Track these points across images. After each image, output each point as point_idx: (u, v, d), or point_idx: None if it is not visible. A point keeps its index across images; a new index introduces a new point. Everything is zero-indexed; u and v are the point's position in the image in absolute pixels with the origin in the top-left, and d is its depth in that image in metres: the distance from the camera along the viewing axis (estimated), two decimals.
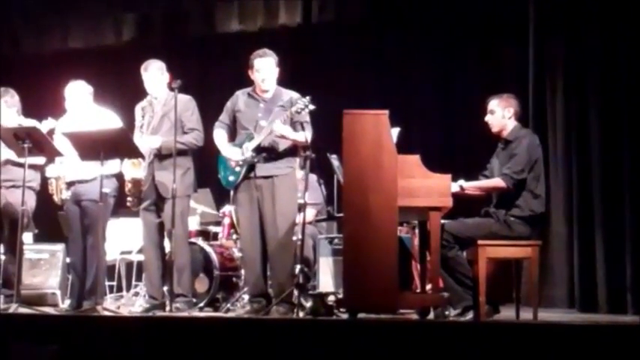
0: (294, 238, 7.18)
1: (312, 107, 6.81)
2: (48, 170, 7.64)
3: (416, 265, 7.58)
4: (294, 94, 7.02)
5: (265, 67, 7.09)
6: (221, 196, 9.17)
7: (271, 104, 7.05)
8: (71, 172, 7.53)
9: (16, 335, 5.85)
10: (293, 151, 7.08)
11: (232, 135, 7.25)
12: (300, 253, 7.06)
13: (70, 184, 7.56)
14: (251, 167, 7.01)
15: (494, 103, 6.65)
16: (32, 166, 7.43)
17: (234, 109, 7.21)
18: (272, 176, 6.97)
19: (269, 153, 6.99)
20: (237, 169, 7.05)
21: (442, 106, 9.83)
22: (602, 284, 7.81)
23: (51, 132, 7.53)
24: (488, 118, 6.66)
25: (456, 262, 6.32)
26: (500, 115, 6.60)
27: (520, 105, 6.71)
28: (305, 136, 6.83)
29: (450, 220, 6.46)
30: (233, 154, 7.07)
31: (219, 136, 7.24)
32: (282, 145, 6.99)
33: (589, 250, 7.96)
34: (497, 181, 6.43)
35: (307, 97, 6.85)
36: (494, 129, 6.65)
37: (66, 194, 7.54)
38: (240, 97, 7.23)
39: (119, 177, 7.58)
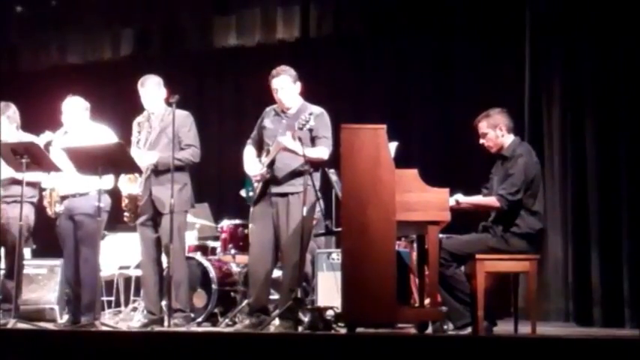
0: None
1: (312, 123, 6.76)
2: (43, 181, 7.64)
3: (414, 279, 7.57)
4: (314, 110, 6.95)
5: (280, 85, 7.03)
6: (219, 211, 9.18)
7: (293, 120, 6.91)
8: (65, 186, 7.52)
9: (14, 350, 5.84)
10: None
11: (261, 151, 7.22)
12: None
13: (63, 198, 7.56)
14: (267, 183, 7.00)
15: (483, 126, 6.61)
16: (32, 183, 7.44)
17: (261, 125, 7.19)
18: (287, 194, 6.92)
19: (283, 169, 6.95)
20: (256, 184, 7.04)
21: (440, 120, 9.83)
22: (599, 298, 7.80)
23: (47, 145, 7.53)
24: (482, 141, 6.64)
25: (454, 280, 6.31)
26: (494, 135, 6.57)
27: (509, 116, 6.63)
28: (303, 150, 6.77)
29: (447, 235, 6.46)
30: (252, 169, 7.07)
31: (246, 152, 7.23)
32: (295, 162, 6.90)
33: (586, 264, 7.96)
34: (493, 201, 6.40)
35: (309, 113, 6.80)
36: (493, 150, 6.62)
37: (59, 207, 7.54)
38: (268, 113, 7.19)
39: (114, 192, 7.58)
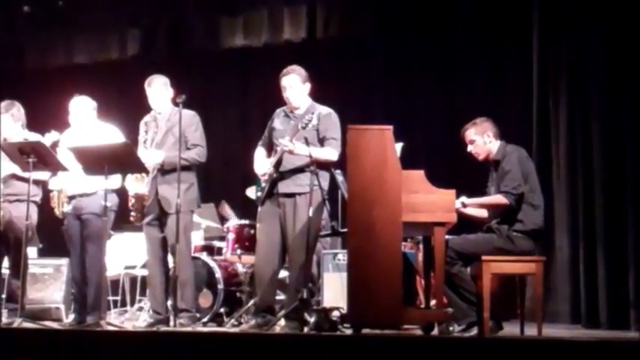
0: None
1: (315, 122, 6.77)
2: (51, 183, 7.66)
3: (420, 280, 7.58)
4: (321, 110, 6.97)
5: (288, 84, 7.05)
6: None
7: (300, 121, 6.92)
8: (73, 186, 7.54)
9: (19, 350, 5.85)
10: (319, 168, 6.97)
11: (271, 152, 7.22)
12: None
13: (71, 198, 7.57)
14: (274, 183, 7.00)
15: (471, 133, 6.66)
16: (36, 181, 7.45)
17: (271, 126, 7.19)
18: (294, 194, 6.92)
19: (290, 169, 6.94)
20: (264, 184, 7.05)
21: (446, 121, 9.81)
22: (605, 300, 7.79)
23: (54, 145, 7.55)
24: (470, 149, 6.68)
25: (459, 278, 6.32)
26: (482, 142, 6.62)
27: (495, 123, 6.68)
28: (309, 151, 6.76)
29: (453, 235, 6.46)
30: (260, 168, 7.08)
31: (257, 153, 7.24)
32: (300, 162, 6.88)
33: (592, 265, 7.94)
34: (499, 198, 6.41)
35: (312, 113, 6.81)
36: (481, 157, 6.67)
37: (67, 208, 7.55)
38: (278, 114, 7.20)
39: (120, 192, 7.59)
